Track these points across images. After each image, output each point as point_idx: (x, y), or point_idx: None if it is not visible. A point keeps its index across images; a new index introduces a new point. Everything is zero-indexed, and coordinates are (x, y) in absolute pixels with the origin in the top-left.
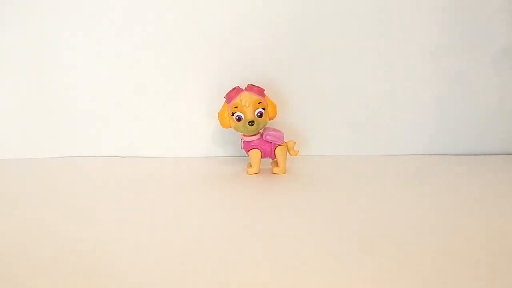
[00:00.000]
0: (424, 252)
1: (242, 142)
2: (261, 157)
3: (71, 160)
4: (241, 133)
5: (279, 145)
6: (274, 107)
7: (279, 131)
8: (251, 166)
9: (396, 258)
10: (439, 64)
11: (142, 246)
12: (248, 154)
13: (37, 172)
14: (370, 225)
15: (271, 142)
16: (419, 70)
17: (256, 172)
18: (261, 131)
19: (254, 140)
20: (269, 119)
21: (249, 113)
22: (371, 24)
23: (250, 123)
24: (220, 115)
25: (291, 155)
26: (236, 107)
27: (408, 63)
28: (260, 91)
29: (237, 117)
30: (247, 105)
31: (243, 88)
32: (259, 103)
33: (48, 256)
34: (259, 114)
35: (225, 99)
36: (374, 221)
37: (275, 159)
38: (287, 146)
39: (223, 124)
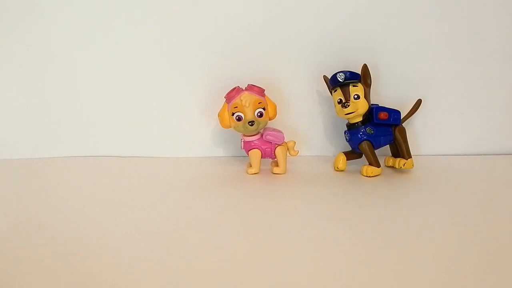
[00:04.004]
0: (434, 250)
1: (242, 142)
2: (261, 157)
3: (71, 160)
4: (241, 133)
5: (279, 145)
6: (274, 107)
7: (279, 131)
8: (251, 166)
9: (400, 258)
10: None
11: (141, 245)
12: (248, 154)
13: (37, 172)
14: (370, 223)
15: (271, 142)
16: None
17: (256, 172)
18: (261, 131)
19: (254, 140)
20: (269, 119)
21: (249, 113)
22: (371, 24)
23: (250, 123)
24: (220, 115)
25: (291, 155)
26: (236, 107)
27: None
28: (260, 91)
29: (237, 117)
30: (247, 105)
31: (243, 88)
32: (259, 103)
33: (47, 256)
34: (259, 114)
35: (225, 99)
36: (373, 219)
37: (275, 159)
38: (287, 146)
39: (223, 124)
